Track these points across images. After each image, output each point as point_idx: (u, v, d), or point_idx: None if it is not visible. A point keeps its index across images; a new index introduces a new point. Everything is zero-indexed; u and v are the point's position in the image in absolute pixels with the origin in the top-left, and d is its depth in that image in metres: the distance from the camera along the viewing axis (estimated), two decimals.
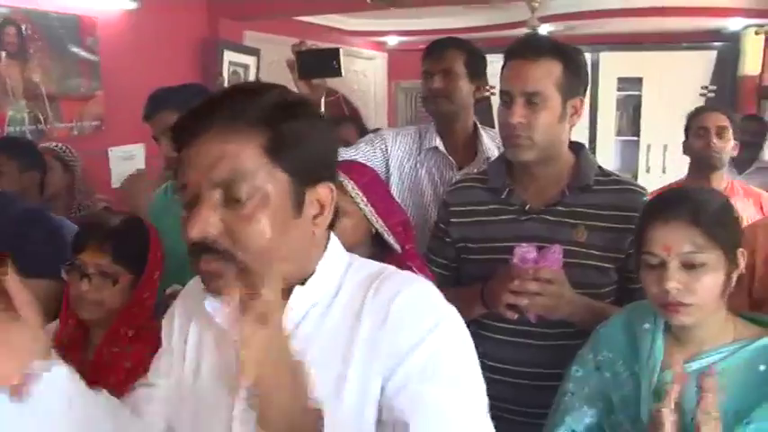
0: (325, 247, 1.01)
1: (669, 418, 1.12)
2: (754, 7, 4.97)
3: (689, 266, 1.22)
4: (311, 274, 0.98)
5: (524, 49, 1.57)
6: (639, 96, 6.33)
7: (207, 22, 4.50)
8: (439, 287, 1.73)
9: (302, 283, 0.97)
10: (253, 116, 0.90)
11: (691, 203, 1.25)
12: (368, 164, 2.14)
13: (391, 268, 1.04)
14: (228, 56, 4.54)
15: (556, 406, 1.39)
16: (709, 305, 1.24)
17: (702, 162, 2.74)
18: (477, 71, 2.19)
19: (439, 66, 2.16)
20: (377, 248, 1.64)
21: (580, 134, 6.32)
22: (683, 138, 2.81)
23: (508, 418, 1.57)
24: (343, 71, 1.69)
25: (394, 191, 2.18)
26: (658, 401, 1.16)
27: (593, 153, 6.73)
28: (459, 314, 1.00)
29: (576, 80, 1.59)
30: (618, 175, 1.69)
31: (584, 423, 1.32)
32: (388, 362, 0.91)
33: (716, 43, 5.93)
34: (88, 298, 1.49)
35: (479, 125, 2.26)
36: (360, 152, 2.18)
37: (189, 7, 4.36)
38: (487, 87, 2.28)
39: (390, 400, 0.89)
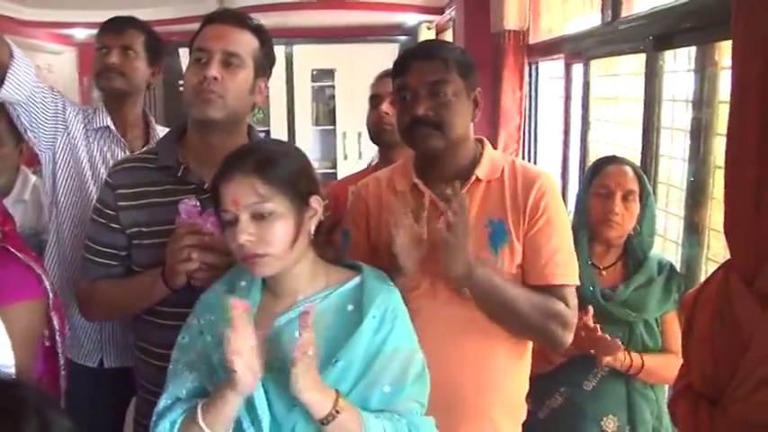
0: None
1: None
2: (424, 4, 5.56)
3: (258, 217, 1.22)
4: None
5: (229, 17, 1.58)
6: (333, 87, 6.69)
7: None
8: (101, 277, 1.61)
9: None
10: None
11: (253, 156, 1.25)
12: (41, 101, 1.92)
13: None
14: None
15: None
16: (285, 254, 1.25)
17: (379, 139, 2.14)
18: (155, 56, 2.15)
19: (118, 41, 2.08)
20: None
21: (279, 124, 6.52)
22: None
23: None
24: None
25: (60, 167, 2.04)
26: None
27: (294, 142, 6.93)
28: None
29: (266, 62, 1.62)
30: None
31: (186, 388, 1.29)
32: None
33: (399, 36, 6.51)
34: None
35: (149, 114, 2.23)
36: (38, 86, 1.91)
37: None
38: (161, 74, 2.24)
39: None
